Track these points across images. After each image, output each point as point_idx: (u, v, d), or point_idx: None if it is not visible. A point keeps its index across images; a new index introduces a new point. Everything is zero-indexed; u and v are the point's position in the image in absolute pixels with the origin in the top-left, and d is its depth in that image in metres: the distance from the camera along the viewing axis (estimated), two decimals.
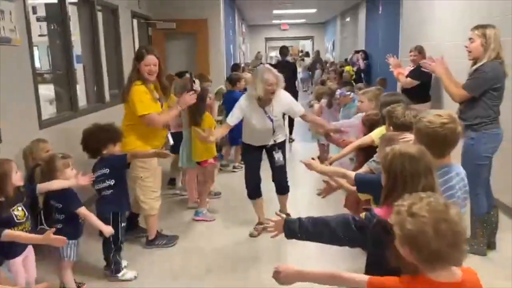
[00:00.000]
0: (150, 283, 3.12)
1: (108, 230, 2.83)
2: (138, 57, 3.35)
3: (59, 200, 2.67)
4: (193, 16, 7.59)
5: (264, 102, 3.60)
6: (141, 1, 6.93)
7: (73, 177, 2.77)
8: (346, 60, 11.93)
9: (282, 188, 3.90)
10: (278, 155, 3.76)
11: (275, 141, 3.75)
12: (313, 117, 4.15)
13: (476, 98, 3.19)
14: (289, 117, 7.63)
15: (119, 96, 5.86)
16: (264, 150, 3.84)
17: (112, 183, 3.07)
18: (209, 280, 3.15)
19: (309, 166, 2.50)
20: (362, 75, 9.28)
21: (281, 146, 3.83)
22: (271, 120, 3.64)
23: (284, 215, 1.79)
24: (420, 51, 5.44)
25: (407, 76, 5.40)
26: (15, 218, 2.32)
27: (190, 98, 3.44)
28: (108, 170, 3.01)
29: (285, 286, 1.54)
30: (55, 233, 2.25)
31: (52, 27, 4.53)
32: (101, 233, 3.11)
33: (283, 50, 7.81)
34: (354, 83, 7.16)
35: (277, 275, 1.52)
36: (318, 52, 16.24)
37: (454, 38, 5.00)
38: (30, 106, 3.68)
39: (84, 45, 5.14)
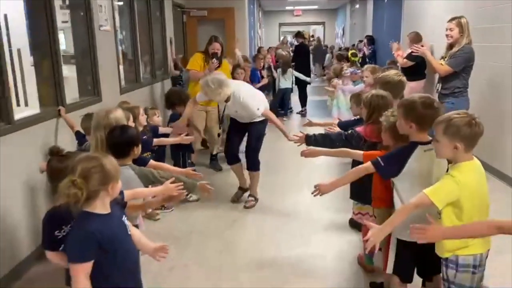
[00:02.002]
0: (206, 202, 4.36)
1: (185, 139, 3.79)
2: (209, 42, 4.98)
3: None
4: (222, 5, 8.75)
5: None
6: None
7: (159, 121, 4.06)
8: (353, 45, 12.98)
9: (247, 164, 4.23)
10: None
11: (252, 121, 4.08)
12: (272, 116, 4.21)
13: (457, 72, 4.32)
14: (300, 90, 8.86)
15: (164, 73, 7.11)
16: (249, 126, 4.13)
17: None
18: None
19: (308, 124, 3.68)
20: (367, 60, 10.37)
21: (258, 125, 4.11)
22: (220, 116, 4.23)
23: (305, 133, 3.03)
24: (414, 36, 6.49)
25: (404, 58, 6.52)
26: None
27: (213, 65, 4.83)
28: None
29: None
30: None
31: (122, 17, 5.71)
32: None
33: (300, 34, 9.14)
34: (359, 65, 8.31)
35: (305, 153, 2.75)
36: (318, 39, 17.29)
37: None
38: (115, 77, 4.92)
39: (141, 31, 6.32)
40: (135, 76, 5.76)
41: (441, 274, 2.13)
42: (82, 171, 1.61)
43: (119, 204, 1.96)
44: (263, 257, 3.25)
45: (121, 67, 5.53)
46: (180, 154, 4.42)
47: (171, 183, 2.32)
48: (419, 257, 2.31)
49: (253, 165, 4.19)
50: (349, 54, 10.53)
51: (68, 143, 3.48)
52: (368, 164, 2.24)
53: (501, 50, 4.68)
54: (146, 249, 2.01)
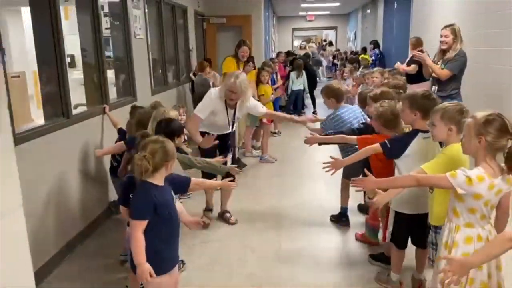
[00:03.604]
0: None
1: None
2: (238, 46, 5.38)
3: None
4: (239, 13, 9.31)
5: (229, 104, 3.72)
6: (200, 1, 8.69)
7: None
8: (364, 48, 13.42)
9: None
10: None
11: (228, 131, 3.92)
12: (275, 112, 4.83)
13: (455, 75, 4.74)
14: (311, 92, 9.31)
15: (187, 76, 7.65)
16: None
17: None
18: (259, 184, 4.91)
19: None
20: (370, 64, 10.77)
21: (232, 134, 4.10)
22: (231, 122, 3.82)
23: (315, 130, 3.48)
24: (414, 42, 6.79)
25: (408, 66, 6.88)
26: None
27: (249, 68, 5.37)
28: None
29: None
30: None
31: (152, 26, 6.27)
32: None
33: (291, 53, 9.67)
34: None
35: (308, 140, 3.23)
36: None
37: None
38: (147, 80, 5.48)
39: (167, 38, 6.89)
40: (163, 79, 6.32)
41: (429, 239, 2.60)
42: (151, 149, 2.07)
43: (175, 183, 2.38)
44: (282, 235, 3.74)
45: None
46: None
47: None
48: (412, 228, 2.75)
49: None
50: (361, 57, 11.03)
51: (110, 135, 4.04)
52: (377, 145, 2.68)
53: (504, 53, 5.09)
54: (185, 220, 2.44)
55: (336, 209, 3.99)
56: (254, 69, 5.52)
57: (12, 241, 0.95)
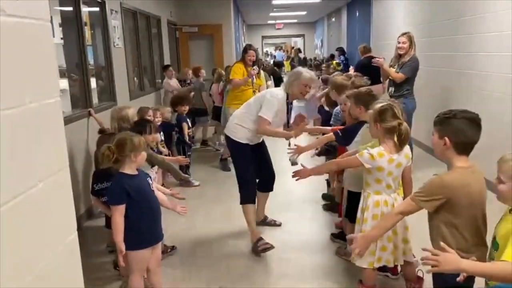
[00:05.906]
0: (209, 187, 5.26)
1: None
2: (244, 51, 5.48)
3: None
4: (210, 22, 9.73)
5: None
6: (172, 11, 9.08)
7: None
8: (332, 55, 14.08)
9: (270, 184, 3.89)
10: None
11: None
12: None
13: (408, 78, 5.31)
14: None
15: (161, 83, 7.97)
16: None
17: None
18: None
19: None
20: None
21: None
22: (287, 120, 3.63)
23: None
24: (362, 49, 7.31)
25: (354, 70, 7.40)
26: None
27: (254, 72, 5.35)
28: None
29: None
30: None
31: (128, 36, 6.63)
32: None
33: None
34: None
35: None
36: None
37: None
38: (126, 86, 5.83)
39: (142, 47, 7.25)
40: (140, 85, 6.67)
41: None
42: (117, 141, 2.40)
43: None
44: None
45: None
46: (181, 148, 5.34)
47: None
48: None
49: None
50: (333, 64, 11.63)
51: (94, 137, 4.37)
52: (331, 134, 3.19)
53: (452, 58, 5.68)
54: (167, 206, 2.78)
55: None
56: (259, 72, 5.51)
57: (59, 199, 1.12)
